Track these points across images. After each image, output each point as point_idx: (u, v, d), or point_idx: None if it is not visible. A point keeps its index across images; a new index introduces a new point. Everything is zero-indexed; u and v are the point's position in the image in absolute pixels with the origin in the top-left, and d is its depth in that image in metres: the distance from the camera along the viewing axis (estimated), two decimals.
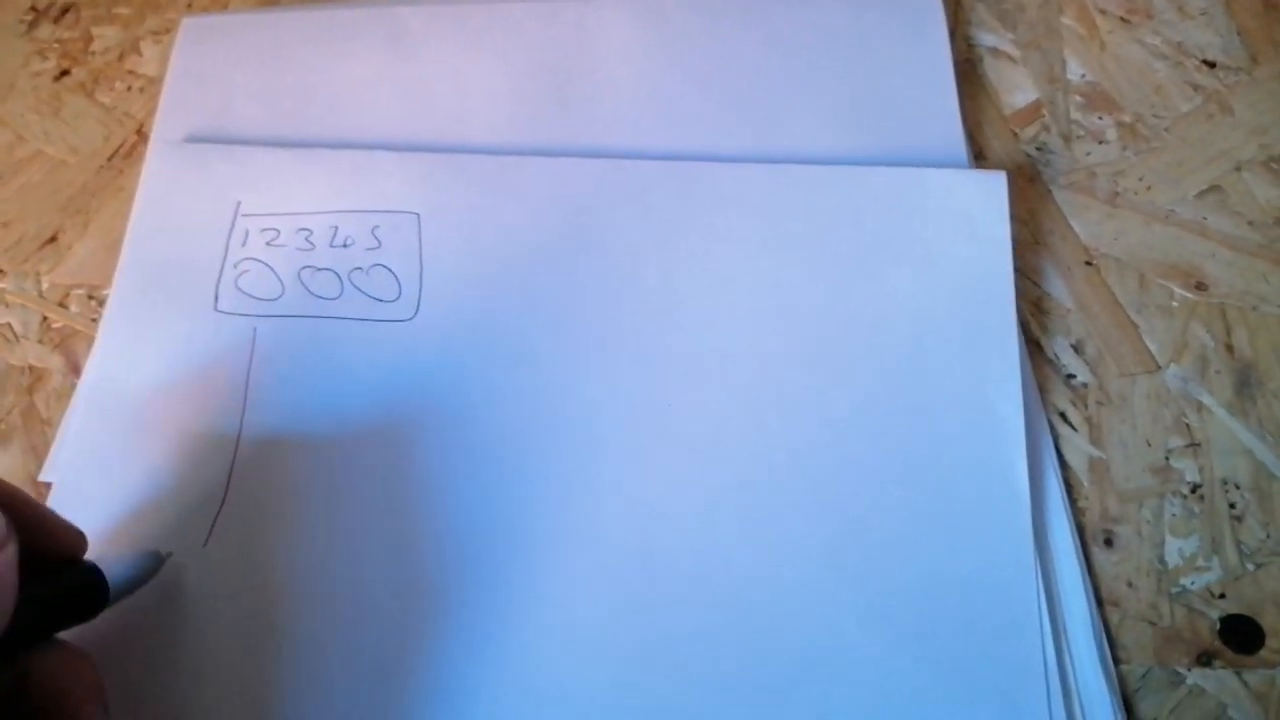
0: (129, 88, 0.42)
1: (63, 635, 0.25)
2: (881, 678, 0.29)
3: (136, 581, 0.28)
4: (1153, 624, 0.31)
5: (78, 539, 0.26)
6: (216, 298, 0.35)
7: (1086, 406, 0.34)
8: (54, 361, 0.36)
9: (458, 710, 0.29)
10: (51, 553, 0.25)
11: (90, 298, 0.37)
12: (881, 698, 0.29)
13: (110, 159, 0.40)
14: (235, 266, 0.36)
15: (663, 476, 0.32)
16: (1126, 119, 0.39)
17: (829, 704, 0.29)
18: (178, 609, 0.30)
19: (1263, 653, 0.31)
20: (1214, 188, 0.37)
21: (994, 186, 0.35)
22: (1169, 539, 0.32)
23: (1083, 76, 0.40)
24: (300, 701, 0.29)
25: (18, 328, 0.37)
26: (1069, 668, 0.30)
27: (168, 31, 0.43)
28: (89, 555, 0.27)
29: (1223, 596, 0.31)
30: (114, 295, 0.36)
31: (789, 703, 0.29)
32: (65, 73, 0.42)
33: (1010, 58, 0.40)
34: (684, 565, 0.31)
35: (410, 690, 0.29)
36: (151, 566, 0.29)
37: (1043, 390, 0.34)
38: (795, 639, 0.30)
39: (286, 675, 0.30)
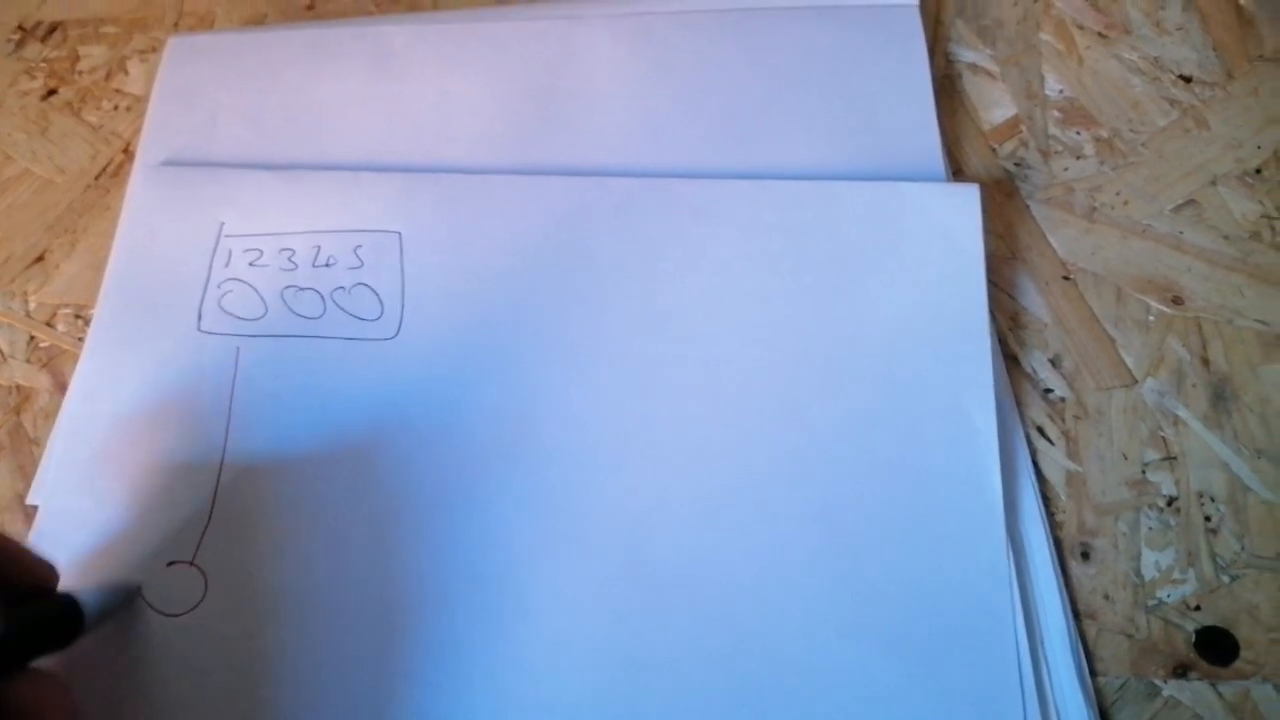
0: (116, 107, 0.42)
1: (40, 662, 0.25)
2: (858, 686, 0.30)
3: (109, 612, 0.29)
4: (1129, 636, 0.31)
5: (49, 572, 0.26)
6: (200, 317, 0.35)
7: (1064, 420, 0.34)
8: (41, 381, 0.36)
9: None
10: (23, 585, 0.25)
11: (77, 317, 0.37)
12: (858, 705, 0.29)
13: (97, 178, 0.40)
14: (218, 286, 0.36)
15: (645, 489, 0.32)
16: (1104, 134, 0.39)
17: (806, 710, 0.29)
18: (163, 629, 0.30)
19: (1237, 664, 0.31)
20: (1190, 202, 0.38)
21: (967, 199, 0.35)
22: (1145, 552, 0.32)
23: (1061, 92, 0.40)
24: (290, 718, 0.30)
25: (5, 347, 0.37)
26: (1046, 679, 0.30)
27: (154, 50, 0.43)
28: (63, 586, 0.27)
29: (1198, 609, 0.32)
30: (98, 316, 0.36)
31: (766, 710, 0.29)
32: (52, 92, 0.43)
33: (989, 74, 0.41)
34: (665, 575, 0.31)
35: (400, 705, 0.30)
36: (124, 597, 0.29)
37: (1020, 405, 0.34)
38: (773, 647, 0.30)
39: (275, 694, 0.30)
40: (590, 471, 0.33)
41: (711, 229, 0.36)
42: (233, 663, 0.30)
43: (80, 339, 0.37)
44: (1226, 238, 0.37)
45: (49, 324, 0.37)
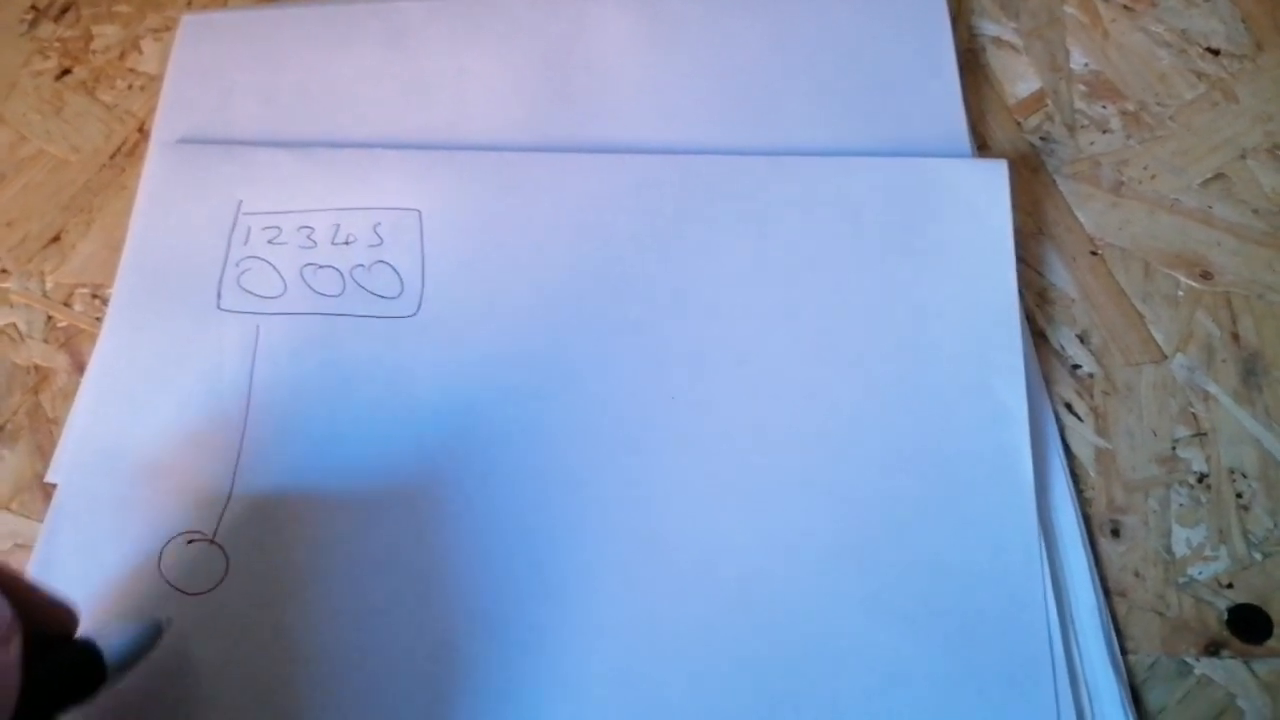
0: (130, 86, 0.42)
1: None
2: (887, 665, 0.29)
3: (136, 655, 0.26)
4: (1160, 614, 0.31)
5: (68, 617, 0.25)
6: (219, 296, 0.35)
7: (1092, 397, 0.34)
8: (59, 361, 0.36)
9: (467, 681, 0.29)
10: (41, 632, 0.23)
11: (94, 296, 0.37)
12: (887, 684, 0.29)
13: (112, 157, 0.40)
14: (237, 265, 0.36)
15: (666, 467, 0.32)
16: (1130, 108, 0.39)
17: (835, 691, 0.29)
18: (183, 608, 0.30)
19: (1271, 642, 0.30)
20: (1219, 176, 0.37)
21: (995, 174, 0.35)
22: (1176, 529, 0.32)
23: (1086, 65, 0.40)
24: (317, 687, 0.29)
25: (23, 327, 0.37)
26: (1076, 657, 0.30)
27: (168, 29, 0.43)
28: (86, 630, 0.25)
29: (1230, 586, 0.31)
30: (116, 295, 0.36)
31: (794, 690, 0.29)
32: (66, 71, 0.42)
33: (1013, 47, 0.40)
34: (687, 554, 0.31)
35: (425, 684, 0.29)
36: (151, 637, 0.27)
37: (1048, 381, 0.34)
38: (801, 627, 0.30)
39: (296, 672, 0.30)
40: (610, 449, 0.32)
41: (731, 206, 0.36)
42: (254, 640, 0.30)
43: (98, 319, 0.36)
44: (1256, 212, 0.36)
45: (66, 304, 0.37)
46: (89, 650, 0.25)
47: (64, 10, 0.44)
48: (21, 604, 0.22)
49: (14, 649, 0.21)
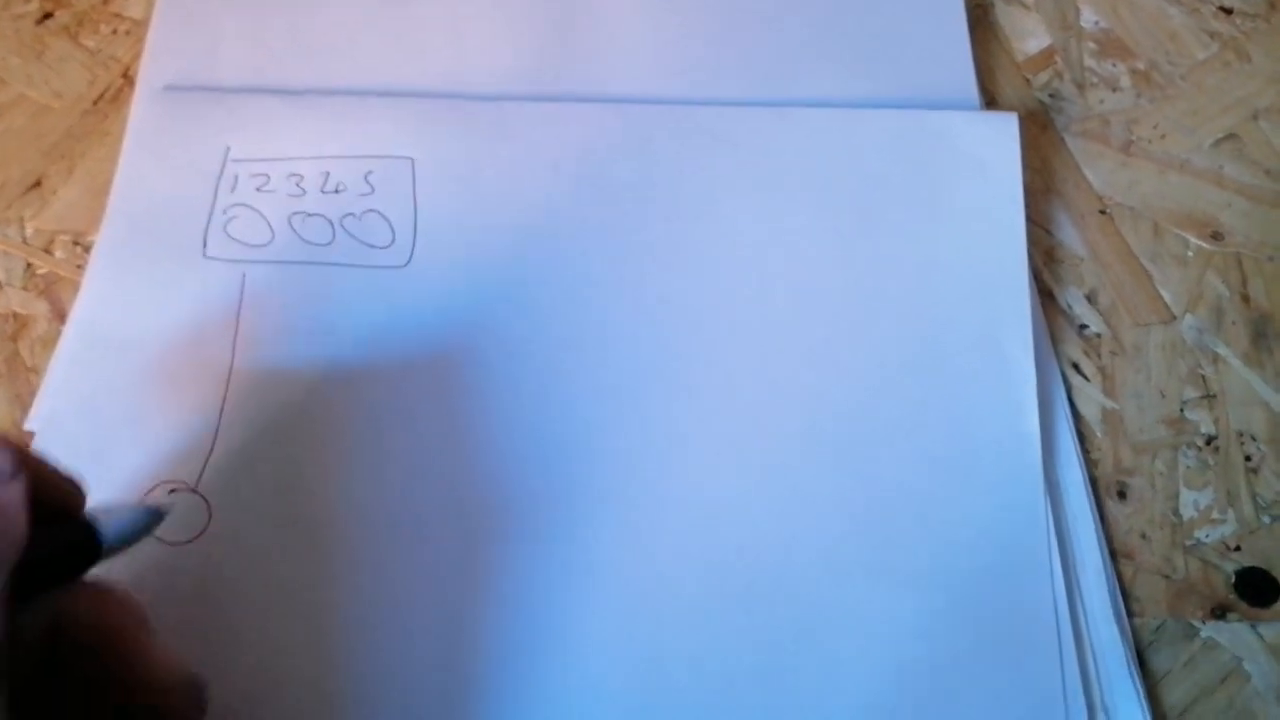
0: (114, 30, 0.40)
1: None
2: (891, 625, 0.29)
3: (132, 538, 0.27)
4: (1166, 577, 0.30)
5: (76, 492, 0.24)
6: (205, 243, 0.34)
7: (1100, 357, 0.33)
8: (39, 308, 0.35)
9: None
10: (48, 506, 0.23)
11: (75, 244, 0.36)
12: (891, 645, 0.28)
13: (95, 103, 0.39)
14: (224, 212, 0.35)
15: (663, 422, 0.31)
16: (1141, 66, 0.38)
17: (837, 651, 0.28)
18: (165, 557, 0.29)
19: (1278, 605, 0.30)
20: (1231, 136, 0.36)
21: (1005, 128, 0.34)
22: (1183, 491, 0.31)
23: (1096, 23, 0.39)
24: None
25: (2, 275, 0.36)
26: (1081, 619, 0.29)
27: None
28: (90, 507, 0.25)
29: (1238, 549, 0.31)
30: (101, 241, 0.34)
31: (796, 650, 0.28)
32: (48, 15, 0.41)
33: (1023, 3, 0.39)
34: (686, 514, 0.30)
35: (407, 638, 0.29)
36: (148, 523, 0.27)
37: (1055, 341, 0.33)
38: (804, 587, 0.29)
39: (280, 626, 0.29)
40: (606, 405, 0.32)
41: (735, 158, 0.35)
42: (237, 592, 0.29)
43: (79, 266, 0.35)
44: (1268, 173, 0.36)
45: (47, 251, 0.36)
46: (86, 528, 0.24)
47: None
48: (30, 467, 0.22)
49: (18, 489, 0.21)
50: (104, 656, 0.23)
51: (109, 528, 0.25)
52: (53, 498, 0.23)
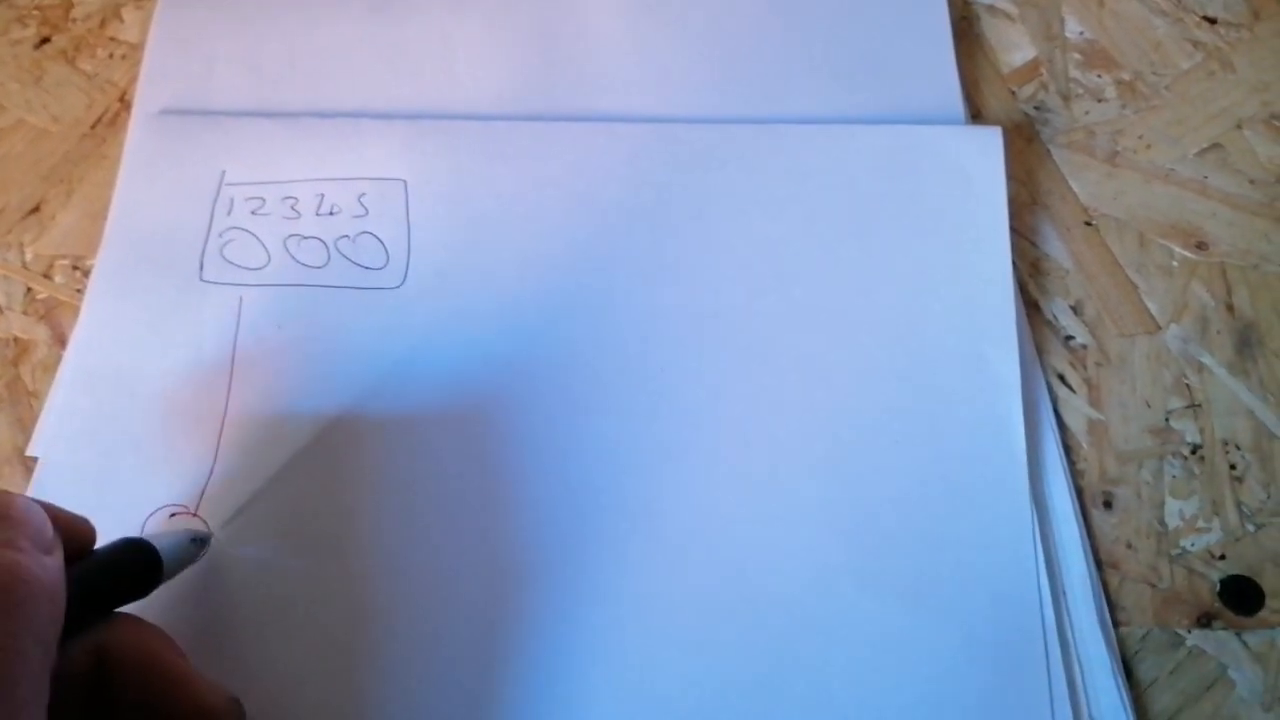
0: (111, 55, 0.41)
1: None
2: (879, 635, 0.29)
3: (185, 562, 0.28)
4: (1152, 586, 0.31)
5: (88, 530, 0.24)
6: (201, 267, 0.35)
7: (1085, 368, 0.34)
8: (39, 333, 0.36)
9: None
10: (71, 544, 0.23)
11: (75, 268, 0.37)
12: (879, 655, 0.29)
13: (93, 127, 0.39)
14: (220, 236, 0.35)
15: (657, 439, 0.32)
16: (1126, 77, 0.38)
17: (826, 663, 0.29)
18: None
19: (1263, 613, 0.30)
20: (1215, 146, 0.37)
21: (989, 142, 0.34)
22: (1169, 500, 0.32)
23: (1081, 34, 0.39)
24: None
25: (1, 299, 0.36)
26: (1068, 629, 0.29)
27: None
28: (144, 534, 0.26)
29: (1223, 558, 0.31)
30: (99, 266, 0.35)
31: (785, 663, 0.29)
32: (46, 40, 0.41)
33: (1008, 15, 0.40)
34: (680, 527, 0.31)
35: (405, 653, 0.29)
36: (195, 547, 0.28)
37: (1041, 352, 0.34)
38: (792, 598, 0.30)
39: (279, 648, 0.29)
40: (598, 420, 0.32)
41: (721, 175, 0.35)
42: (234, 614, 0.30)
43: (79, 290, 0.36)
44: (1252, 182, 0.36)
45: (46, 275, 0.37)
46: (149, 551, 0.25)
47: None
48: (59, 523, 0.22)
49: (57, 558, 0.21)
50: (151, 682, 0.23)
51: (164, 548, 0.26)
52: (74, 535, 0.24)
